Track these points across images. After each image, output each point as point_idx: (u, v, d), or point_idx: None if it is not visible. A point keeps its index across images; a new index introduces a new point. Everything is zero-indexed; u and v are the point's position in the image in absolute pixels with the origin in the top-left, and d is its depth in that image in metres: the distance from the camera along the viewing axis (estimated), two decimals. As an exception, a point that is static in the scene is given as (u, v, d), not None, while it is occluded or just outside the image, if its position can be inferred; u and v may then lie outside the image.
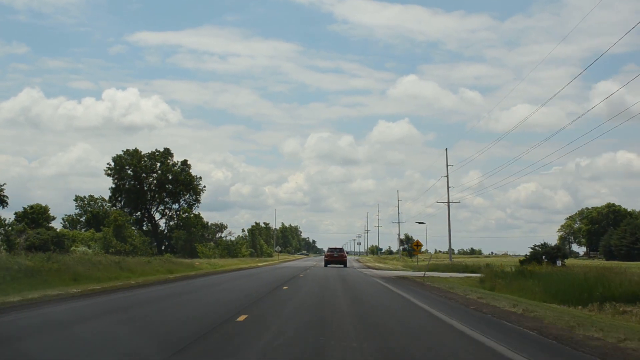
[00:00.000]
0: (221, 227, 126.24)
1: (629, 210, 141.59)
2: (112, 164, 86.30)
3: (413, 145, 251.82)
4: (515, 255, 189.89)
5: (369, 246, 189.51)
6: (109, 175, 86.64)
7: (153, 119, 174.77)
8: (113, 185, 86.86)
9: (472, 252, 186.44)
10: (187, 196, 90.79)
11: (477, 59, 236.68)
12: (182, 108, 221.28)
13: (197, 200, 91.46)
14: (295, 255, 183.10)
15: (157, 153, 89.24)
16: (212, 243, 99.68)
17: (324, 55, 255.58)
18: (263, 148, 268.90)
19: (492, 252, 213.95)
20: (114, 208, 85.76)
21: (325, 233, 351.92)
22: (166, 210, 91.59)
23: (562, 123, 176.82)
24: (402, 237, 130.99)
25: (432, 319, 13.16)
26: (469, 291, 22.06)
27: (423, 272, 36.38)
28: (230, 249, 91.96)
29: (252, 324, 11.44)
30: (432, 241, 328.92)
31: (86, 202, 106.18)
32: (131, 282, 27.53)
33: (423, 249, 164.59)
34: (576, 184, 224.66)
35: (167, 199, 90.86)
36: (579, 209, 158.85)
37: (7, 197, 62.48)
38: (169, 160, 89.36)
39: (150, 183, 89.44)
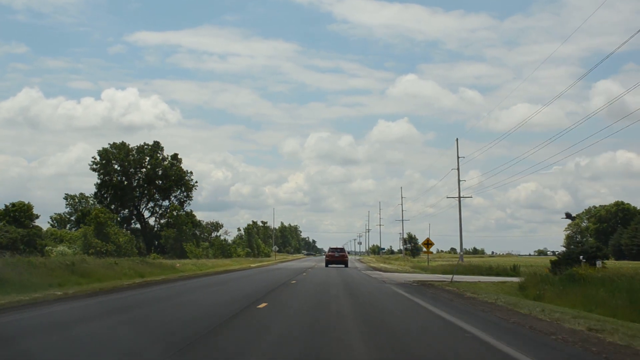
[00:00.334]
0: (217, 226, 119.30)
1: (639, 208, 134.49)
2: (98, 158, 78.98)
3: (413, 145, 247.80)
4: (521, 255, 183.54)
5: (370, 246, 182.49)
6: (94, 170, 79.33)
7: (152, 119, 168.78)
8: (98, 181, 79.53)
9: (475, 251, 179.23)
10: (177, 193, 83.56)
11: (477, 58, 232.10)
12: (181, 108, 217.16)
13: (189, 197, 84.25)
14: (296, 255, 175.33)
15: (146, 147, 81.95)
16: (206, 243, 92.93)
17: (323, 55, 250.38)
18: (263, 148, 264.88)
19: (493, 252, 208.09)
20: (99, 205, 78.39)
21: (325, 233, 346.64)
22: (156, 208, 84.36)
23: (561, 122, 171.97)
24: (405, 236, 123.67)
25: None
26: (536, 309, 14.72)
27: (450, 276, 29.05)
28: (225, 249, 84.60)
29: None
30: (434, 241, 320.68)
31: (77, 201, 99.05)
32: (67, 293, 20.36)
33: (424, 249, 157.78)
34: (576, 184, 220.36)
35: (156, 196, 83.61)
36: (586, 208, 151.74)
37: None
38: (158, 154, 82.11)
39: (139, 179, 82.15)
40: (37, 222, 66.05)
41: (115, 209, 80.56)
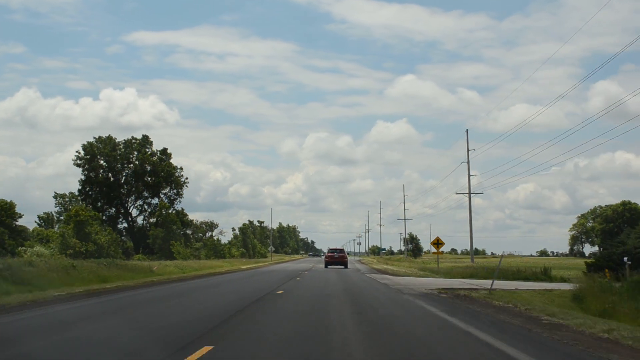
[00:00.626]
0: (212, 226, 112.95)
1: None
2: (82, 152, 72.68)
3: (411, 145, 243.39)
4: (524, 256, 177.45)
5: (369, 246, 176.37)
6: (78, 165, 72.99)
7: (150, 119, 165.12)
8: (83, 177, 73.20)
9: (477, 252, 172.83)
10: (167, 190, 77.28)
11: (475, 58, 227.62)
12: (179, 108, 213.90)
13: (179, 195, 77.99)
14: (294, 255, 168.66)
15: (134, 141, 75.71)
16: (200, 243, 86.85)
17: (321, 55, 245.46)
18: (261, 148, 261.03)
19: (492, 252, 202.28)
20: (82, 203, 72.10)
21: (324, 233, 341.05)
22: (145, 206, 78.05)
23: (560, 123, 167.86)
24: (406, 236, 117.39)
25: None
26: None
27: (476, 281, 22.84)
28: (218, 250, 78.32)
29: None
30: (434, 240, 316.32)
31: (67, 200, 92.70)
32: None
33: (424, 249, 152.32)
34: (574, 184, 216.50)
35: (145, 193, 77.34)
36: (591, 208, 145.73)
37: None
38: (147, 149, 75.85)
39: (127, 175, 75.89)
40: (25, 222, 60.37)
41: (101, 207, 74.39)
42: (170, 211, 75.84)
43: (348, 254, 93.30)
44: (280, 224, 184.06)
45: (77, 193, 75.00)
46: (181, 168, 77.35)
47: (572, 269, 46.49)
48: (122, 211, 76.59)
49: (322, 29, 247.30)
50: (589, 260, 38.12)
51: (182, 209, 78.21)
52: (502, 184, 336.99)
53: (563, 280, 32.06)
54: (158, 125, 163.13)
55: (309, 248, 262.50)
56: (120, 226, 77.41)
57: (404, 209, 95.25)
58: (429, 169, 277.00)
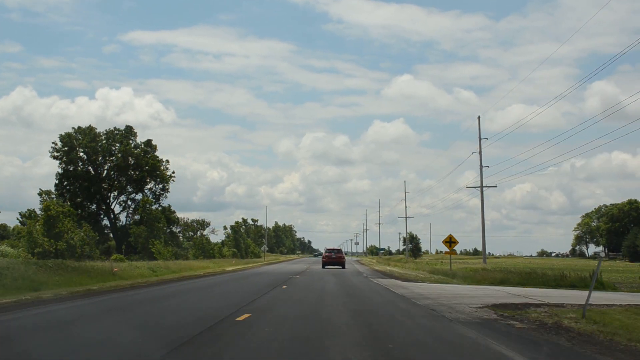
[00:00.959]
0: (203, 225, 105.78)
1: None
2: (59, 143, 65.56)
3: (408, 145, 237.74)
4: (526, 257, 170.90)
5: (367, 246, 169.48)
6: (55, 157, 65.88)
7: (147, 119, 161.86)
8: (60, 171, 66.04)
9: (476, 252, 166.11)
10: (152, 185, 70.16)
11: (472, 58, 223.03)
12: (176, 108, 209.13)
13: (165, 190, 70.82)
14: (289, 255, 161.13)
15: (116, 132, 68.64)
16: (191, 242, 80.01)
17: (318, 55, 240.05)
18: (258, 148, 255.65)
19: (490, 253, 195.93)
20: (58, 199, 64.98)
21: (321, 233, 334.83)
22: (129, 202, 70.90)
23: (557, 123, 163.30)
24: (405, 235, 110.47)
25: None
26: None
27: (542, 293, 15.83)
28: (206, 249, 71.23)
29: None
30: (431, 241, 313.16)
31: (53, 197, 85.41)
32: None
33: (424, 249, 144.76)
34: (571, 185, 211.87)
35: (129, 188, 70.24)
36: (595, 207, 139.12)
37: None
38: (130, 141, 68.77)
39: (109, 168, 68.76)
40: (6, 220, 53.83)
41: (80, 203, 67.32)
42: (156, 207, 68.90)
43: (345, 254, 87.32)
44: (276, 223, 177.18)
45: (54, 188, 67.69)
46: (167, 161, 70.22)
47: (605, 271, 39.59)
48: (104, 207, 69.49)
49: (319, 29, 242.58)
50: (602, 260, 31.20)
51: (169, 206, 71.12)
52: (499, 183, 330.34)
53: (614, 288, 25.31)
54: (154, 125, 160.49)
55: (305, 248, 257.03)
56: (103, 223, 70.45)
57: (405, 206, 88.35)
58: (425, 169, 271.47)
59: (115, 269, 28.67)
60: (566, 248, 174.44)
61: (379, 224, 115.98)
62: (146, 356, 7.83)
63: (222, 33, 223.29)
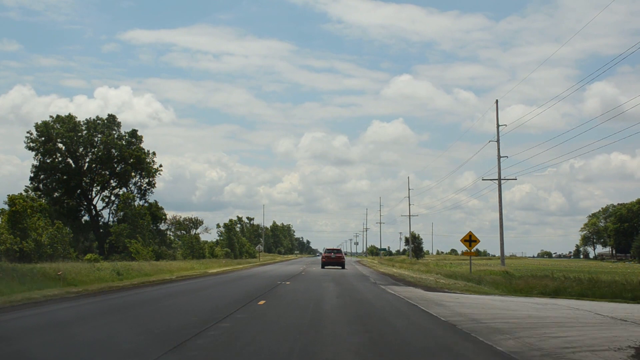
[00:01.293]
0: (196, 223, 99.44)
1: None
2: (35, 133, 59.20)
3: (407, 146, 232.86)
4: (531, 257, 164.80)
5: (367, 246, 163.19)
6: (30, 149, 59.55)
7: (146, 118, 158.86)
8: (36, 163, 59.65)
9: (479, 253, 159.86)
10: (137, 179, 63.86)
11: (472, 59, 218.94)
12: (175, 107, 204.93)
13: (151, 185, 64.53)
14: (287, 255, 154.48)
15: (98, 121, 62.34)
16: (180, 241, 73.85)
17: (318, 55, 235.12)
18: (257, 148, 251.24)
19: (490, 254, 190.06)
20: (33, 194, 58.62)
21: (320, 233, 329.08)
22: (112, 197, 64.57)
23: (556, 123, 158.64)
24: (407, 235, 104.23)
25: None
26: None
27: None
28: (195, 249, 64.91)
29: None
30: (429, 242, 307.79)
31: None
32: None
33: (425, 249, 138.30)
34: (570, 186, 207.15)
35: (112, 183, 63.95)
36: (603, 207, 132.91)
37: None
38: (113, 132, 62.48)
39: (90, 161, 62.40)
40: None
41: (58, 198, 61.01)
42: (142, 203, 62.69)
43: (345, 254, 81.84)
44: (274, 222, 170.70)
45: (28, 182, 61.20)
46: (154, 153, 63.92)
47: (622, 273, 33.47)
48: (85, 204, 63.15)
49: (318, 29, 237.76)
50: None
51: (156, 202, 64.85)
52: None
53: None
54: (153, 124, 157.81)
55: (304, 248, 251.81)
56: (84, 221, 64.09)
57: (409, 204, 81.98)
58: (425, 170, 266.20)
59: (59, 272, 22.45)
60: (565, 249, 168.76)
61: (380, 223, 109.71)
62: None
63: (221, 32, 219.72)
